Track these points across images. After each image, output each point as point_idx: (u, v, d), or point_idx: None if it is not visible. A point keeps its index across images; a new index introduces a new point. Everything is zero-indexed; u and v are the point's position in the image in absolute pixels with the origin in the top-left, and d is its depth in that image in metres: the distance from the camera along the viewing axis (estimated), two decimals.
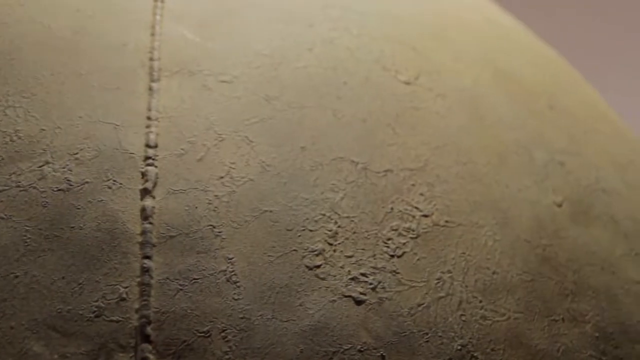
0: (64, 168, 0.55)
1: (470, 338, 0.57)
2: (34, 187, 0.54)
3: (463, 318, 0.57)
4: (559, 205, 0.68)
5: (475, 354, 0.57)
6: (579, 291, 0.64)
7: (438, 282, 0.58)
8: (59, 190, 0.55)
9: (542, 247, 0.64)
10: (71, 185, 0.55)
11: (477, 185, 0.64)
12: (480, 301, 0.59)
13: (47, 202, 0.54)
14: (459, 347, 0.56)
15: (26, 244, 0.53)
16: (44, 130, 0.57)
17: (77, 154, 0.56)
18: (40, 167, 0.55)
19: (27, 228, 0.53)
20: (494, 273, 0.60)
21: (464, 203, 0.63)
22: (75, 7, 0.65)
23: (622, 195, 0.75)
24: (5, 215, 0.54)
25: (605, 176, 0.75)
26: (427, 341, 0.56)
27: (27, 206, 0.54)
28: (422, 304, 0.57)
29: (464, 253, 0.60)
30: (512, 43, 0.84)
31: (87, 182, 0.55)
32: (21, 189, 0.55)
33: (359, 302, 0.55)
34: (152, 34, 0.64)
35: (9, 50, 0.61)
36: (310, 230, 0.57)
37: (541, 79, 0.81)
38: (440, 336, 0.56)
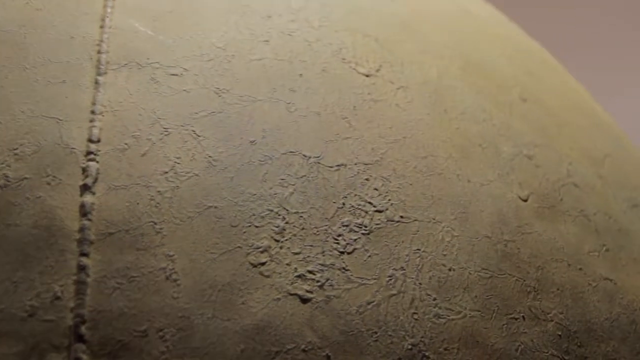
0: (2, 164, 0.54)
1: (422, 337, 0.55)
2: None
3: (415, 316, 0.56)
4: (525, 200, 0.66)
5: (426, 354, 0.55)
6: (542, 288, 0.62)
7: (390, 280, 0.56)
8: None
9: (503, 243, 0.62)
10: (9, 181, 0.53)
11: (436, 179, 0.62)
12: (435, 299, 0.57)
13: None
14: (410, 347, 0.55)
15: None
16: None
17: (16, 149, 0.55)
18: None
19: None
20: (450, 270, 0.59)
21: (420, 198, 0.61)
22: (25, 0, 0.63)
23: (596, 190, 0.72)
24: None
25: (578, 170, 0.73)
26: (376, 340, 0.54)
27: None
28: (372, 302, 0.55)
29: (418, 249, 0.58)
30: (487, 35, 0.82)
31: (25, 178, 0.54)
32: None
33: (304, 300, 0.54)
34: (102, 27, 0.62)
35: None
36: (256, 227, 0.55)
37: (515, 71, 0.79)
38: (390, 335, 0.54)
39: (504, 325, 0.59)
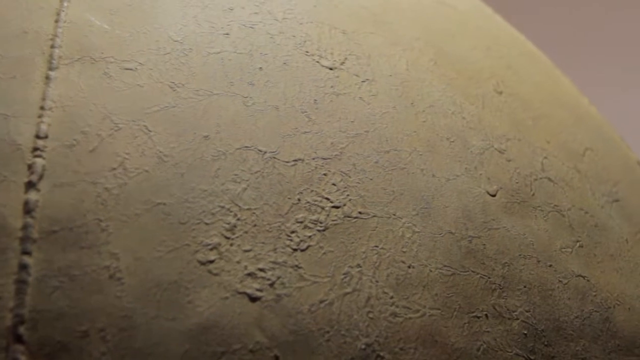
0: None
1: (377, 336, 0.54)
2: None
3: (370, 315, 0.54)
4: (493, 195, 0.64)
5: (381, 353, 0.53)
6: (508, 286, 0.60)
7: (345, 277, 0.55)
8: None
9: (467, 239, 0.60)
10: None
11: (399, 174, 0.61)
12: (392, 297, 0.55)
13: None
14: (364, 346, 0.53)
15: None
16: None
17: None
18: None
19: None
20: (409, 267, 0.57)
21: (381, 193, 0.59)
22: None
23: (572, 184, 0.70)
24: None
25: (554, 164, 0.71)
26: (328, 340, 0.53)
27: None
28: (325, 300, 0.54)
29: (376, 246, 0.57)
30: (464, 26, 0.80)
31: None
32: None
33: (254, 299, 0.52)
34: (57, 21, 0.61)
35: None
36: (206, 224, 0.54)
37: (492, 64, 0.77)
38: (343, 335, 0.53)
39: (465, 324, 0.57)
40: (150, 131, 0.56)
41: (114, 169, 0.54)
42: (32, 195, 0.52)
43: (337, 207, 0.57)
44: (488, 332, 0.57)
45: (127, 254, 0.51)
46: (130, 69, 0.59)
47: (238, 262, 0.53)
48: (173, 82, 0.59)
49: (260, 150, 0.58)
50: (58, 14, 0.62)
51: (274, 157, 0.58)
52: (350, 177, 0.59)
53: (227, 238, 0.54)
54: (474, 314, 0.57)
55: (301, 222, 0.56)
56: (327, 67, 0.64)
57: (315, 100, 0.62)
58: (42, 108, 0.56)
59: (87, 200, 0.53)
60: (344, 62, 0.66)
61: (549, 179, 0.69)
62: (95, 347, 0.49)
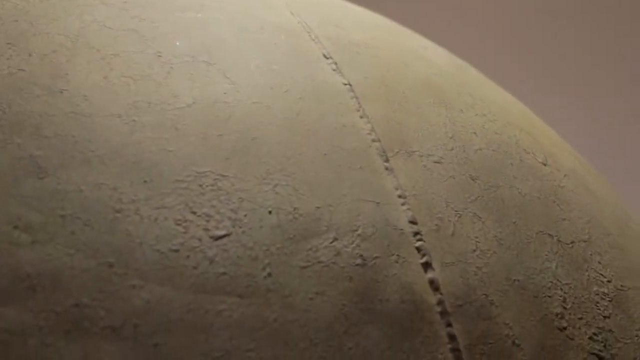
0: (352, 244, 0.59)
1: None
2: (334, 263, 0.57)
3: None
4: None
5: None
6: None
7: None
8: (357, 265, 0.58)
9: None
10: (365, 260, 0.58)
11: None
12: None
13: (351, 277, 0.57)
14: None
15: (347, 317, 0.55)
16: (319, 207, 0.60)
17: (357, 230, 0.59)
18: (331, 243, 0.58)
19: (343, 302, 0.56)
20: None
21: None
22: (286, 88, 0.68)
23: None
24: (319, 290, 0.56)
25: None
26: None
27: (334, 281, 0.57)
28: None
29: None
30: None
31: (377, 257, 0.59)
32: (323, 264, 0.57)
33: (601, 358, 0.63)
34: (362, 117, 0.68)
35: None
36: (549, 297, 0.64)
37: None
38: None
39: None
40: (480, 218, 0.66)
41: (474, 250, 0.63)
42: (432, 274, 0.60)
43: (609, 282, 0.70)
44: None
45: (515, 323, 0.61)
46: (439, 163, 0.68)
47: (579, 328, 0.64)
48: (470, 175, 0.69)
49: (550, 235, 0.69)
50: (358, 110, 0.69)
51: (560, 240, 0.69)
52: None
53: (565, 308, 0.64)
54: None
55: (598, 295, 0.68)
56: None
57: None
58: (400, 197, 0.63)
59: (469, 278, 0.61)
60: None
61: None
62: None
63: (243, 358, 0.52)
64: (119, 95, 0.62)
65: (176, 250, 0.55)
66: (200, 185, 0.58)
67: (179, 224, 0.56)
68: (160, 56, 0.65)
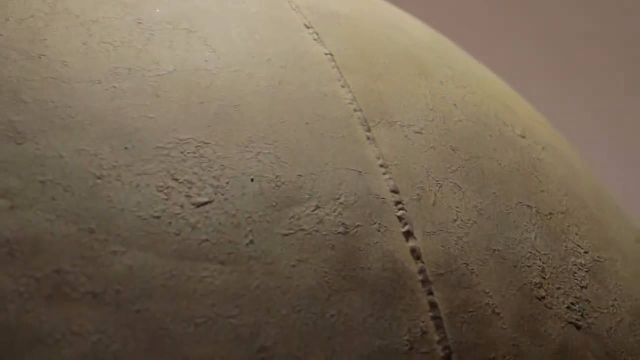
0: (334, 212, 0.58)
1: None
2: (317, 231, 0.57)
3: (637, 338, 0.68)
4: None
5: None
6: None
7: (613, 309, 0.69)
8: (339, 233, 0.58)
9: None
10: (347, 229, 0.58)
11: None
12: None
13: (333, 245, 0.57)
14: None
15: (329, 284, 0.55)
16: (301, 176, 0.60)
17: (339, 199, 0.59)
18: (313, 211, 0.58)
19: (326, 270, 0.56)
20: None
21: None
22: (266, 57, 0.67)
23: None
24: (302, 258, 0.56)
25: None
26: (628, 357, 0.66)
27: (317, 249, 0.57)
28: (613, 326, 0.67)
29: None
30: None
31: (359, 226, 0.59)
32: (306, 232, 0.57)
33: (578, 327, 0.64)
34: (343, 87, 0.68)
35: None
36: (528, 267, 0.65)
37: None
38: (629, 353, 0.67)
39: None
40: (461, 188, 0.66)
41: (455, 220, 0.63)
42: (414, 243, 0.60)
43: (586, 253, 0.71)
44: None
45: (495, 293, 0.61)
46: (420, 133, 0.68)
47: (558, 298, 0.65)
48: (451, 146, 0.69)
49: (529, 206, 0.70)
50: (339, 80, 0.69)
51: (539, 212, 0.70)
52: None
53: (544, 278, 0.65)
54: None
55: (576, 265, 0.69)
56: None
57: None
58: (382, 166, 0.63)
59: (450, 247, 0.61)
60: None
61: None
62: None
63: (225, 325, 0.51)
64: (99, 61, 0.61)
65: (158, 217, 0.54)
66: (182, 153, 0.58)
67: (160, 191, 0.55)
68: (140, 23, 0.65)
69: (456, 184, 0.66)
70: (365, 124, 0.66)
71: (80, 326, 0.49)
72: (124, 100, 0.60)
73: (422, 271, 0.59)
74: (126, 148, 0.57)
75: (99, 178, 0.55)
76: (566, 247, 0.69)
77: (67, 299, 0.50)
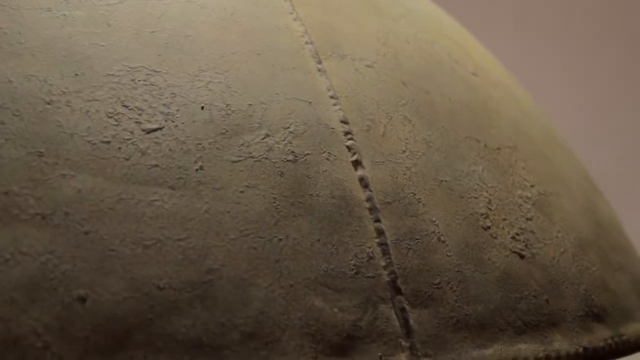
0: (284, 141, 0.59)
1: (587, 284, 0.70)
2: (266, 158, 0.58)
3: (579, 267, 0.71)
4: None
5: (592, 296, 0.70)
6: None
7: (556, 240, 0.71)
8: (288, 160, 0.59)
9: None
10: (297, 156, 0.59)
11: None
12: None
13: (282, 172, 0.58)
14: (583, 291, 0.69)
15: (277, 209, 0.56)
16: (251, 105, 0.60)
17: (289, 127, 0.60)
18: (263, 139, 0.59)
19: (274, 196, 0.57)
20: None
21: None
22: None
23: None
24: (251, 184, 0.57)
25: None
26: (566, 287, 0.68)
27: (266, 175, 0.57)
28: (556, 256, 0.69)
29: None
30: None
31: (308, 154, 0.60)
32: (255, 159, 0.58)
33: (522, 257, 0.66)
34: (295, 19, 0.69)
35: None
36: (475, 198, 0.66)
37: None
38: (570, 282, 0.69)
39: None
40: (410, 120, 0.67)
41: (404, 151, 0.65)
42: (362, 172, 0.61)
43: (532, 186, 0.73)
44: None
45: (441, 221, 0.63)
46: (371, 67, 0.69)
47: (503, 228, 0.66)
48: (401, 80, 0.70)
49: (478, 140, 0.71)
50: (292, 13, 0.69)
51: (486, 145, 0.71)
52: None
53: (490, 209, 0.67)
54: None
55: (521, 198, 0.70)
56: None
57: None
58: (332, 97, 0.64)
59: (398, 177, 0.63)
60: None
61: None
62: (448, 296, 0.60)
63: (174, 247, 0.52)
64: None
65: (108, 142, 0.55)
66: (133, 80, 0.58)
67: (110, 117, 0.56)
68: None
69: (406, 116, 0.67)
70: (316, 56, 0.66)
71: (29, 246, 0.50)
72: (74, 27, 0.60)
73: (369, 199, 0.60)
74: (76, 75, 0.57)
75: (48, 103, 0.55)
76: (513, 180, 0.71)
77: (16, 220, 0.50)
